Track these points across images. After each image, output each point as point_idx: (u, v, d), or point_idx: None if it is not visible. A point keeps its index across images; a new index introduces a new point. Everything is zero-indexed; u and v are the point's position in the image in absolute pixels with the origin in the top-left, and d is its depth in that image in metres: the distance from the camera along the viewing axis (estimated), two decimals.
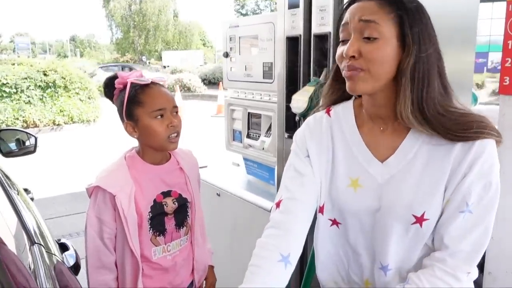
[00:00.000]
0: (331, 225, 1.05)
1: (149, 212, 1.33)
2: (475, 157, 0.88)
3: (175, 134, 1.33)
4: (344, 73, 0.93)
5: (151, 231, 1.35)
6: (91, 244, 1.30)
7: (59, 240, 1.34)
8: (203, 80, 19.39)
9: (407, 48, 0.87)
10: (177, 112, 1.36)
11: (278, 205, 1.02)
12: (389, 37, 0.87)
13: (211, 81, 20.04)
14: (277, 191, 1.99)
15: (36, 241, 1.09)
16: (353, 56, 0.89)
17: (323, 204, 1.04)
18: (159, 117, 1.29)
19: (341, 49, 0.93)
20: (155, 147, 1.36)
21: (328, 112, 1.07)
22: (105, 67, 25.14)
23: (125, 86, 1.31)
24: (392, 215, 0.94)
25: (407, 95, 0.88)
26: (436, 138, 0.90)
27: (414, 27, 0.87)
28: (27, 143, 2.42)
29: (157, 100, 1.30)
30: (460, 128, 0.88)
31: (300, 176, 1.03)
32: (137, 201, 1.31)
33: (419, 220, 0.92)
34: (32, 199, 1.93)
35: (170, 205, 1.38)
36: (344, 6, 0.96)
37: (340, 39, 0.95)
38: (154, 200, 1.35)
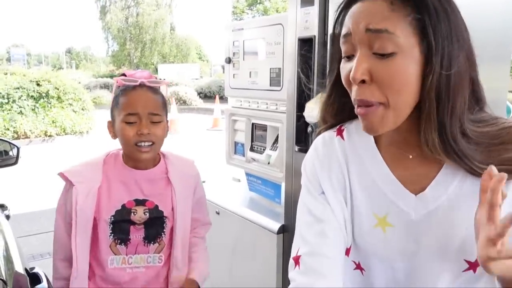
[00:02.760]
0: (355, 269, 0.84)
1: (111, 216, 1.22)
2: None
3: (147, 143, 1.20)
4: (355, 109, 0.71)
5: (111, 236, 1.23)
6: (57, 232, 1.26)
7: (32, 268, 1.13)
8: (199, 93, 19.27)
9: (431, 61, 0.64)
10: (158, 122, 1.22)
11: (296, 261, 0.78)
12: (409, 49, 0.64)
13: (207, 95, 19.94)
14: (284, 211, 1.84)
15: None
16: (363, 81, 0.67)
17: (350, 246, 0.82)
18: (132, 121, 1.19)
19: (346, 68, 0.71)
20: (126, 153, 1.27)
21: (340, 133, 0.84)
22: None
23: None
24: (438, 261, 0.74)
25: (433, 120, 0.67)
26: None
27: (438, 31, 0.64)
28: (10, 154, 2.23)
29: (131, 103, 1.20)
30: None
31: (318, 222, 0.79)
32: (101, 200, 1.22)
33: (474, 265, 0.72)
34: (8, 216, 1.71)
35: (139, 214, 1.24)
36: (341, 6, 0.73)
37: (343, 54, 0.72)
38: (123, 205, 1.23)
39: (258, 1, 27.51)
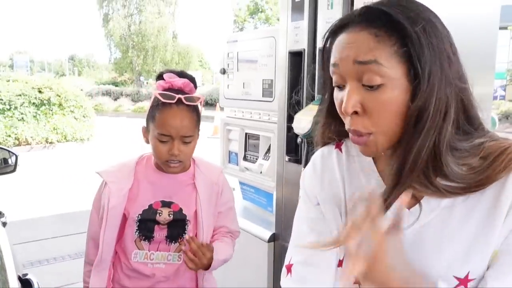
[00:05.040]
0: (355, 283, 0.83)
1: (138, 214, 1.31)
2: None
3: (176, 162, 1.28)
4: (350, 136, 0.73)
5: (137, 233, 1.33)
6: (90, 223, 1.37)
7: (25, 275, 1.16)
8: None
9: (419, 89, 0.65)
10: (189, 142, 1.28)
11: (289, 269, 0.81)
12: (397, 79, 0.65)
13: (208, 102, 19.99)
14: (275, 220, 1.87)
15: None
16: (356, 112, 0.69)
17: (343, 258, 0.83)
18: (164, 140, 1.26)
19: (339, 98, 0.71)
20: (157, 162, 1.35)
21: (338, 146, 0.86)
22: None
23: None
24: (428, 276, 0.73)
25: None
26: None
27: (424, 59, 0.64)
28: (9, 162, 2.26)
29: (166, 125, 1.24)
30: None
31: (312, 231, 0.82)
32: (130, 199, 1.32)
33: (463, 282, 0.71)
34: (4, 223, 1.74)
35: (164, 215, 1.32)
36: (327, 33, 0.74)
37: (334, 84, 0.72)
38: (150, 205, 1.32)
39: (260, 10, 27.69)
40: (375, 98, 0.66)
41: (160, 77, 1.30)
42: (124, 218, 1.33)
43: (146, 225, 1.32)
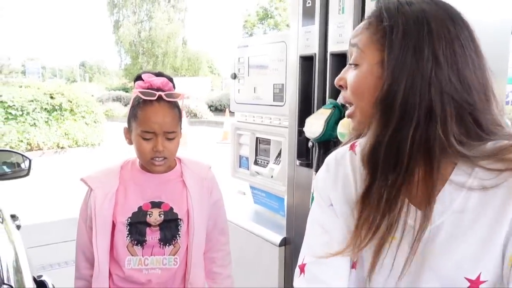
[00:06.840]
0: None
1: (128, 218, 1.27)
2: None
3: (160, 158, 1.26)
4: None
5: (128, 238, 1.28)
6: (78, 234, 1.33)
7: (40, 276, 1.18)
8: (209, 106, 19.44)
9: (384, 75, 0.69)
10: (173, 138, 1.27)
11: (302, 269, 0.82)
12: (371, 64, 0.72)
13: (218, 108, 20.10)
14: (286, 224, 1.87)
15: (6, 281, 0.94)
16: (342, 86, 0.79)
17: (357, 260, 0.83)
18: (148, 138, 1.24)
19: None
20: (141, 162, 1.32)
21: (352, 147, 0.87)
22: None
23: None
24: (439, 278, 0.73)
25: (369, 130, 0.73)
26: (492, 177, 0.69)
27: (395, 47, 0.68)
28: (22, 166, 2.30)
29: (149, 121, 1.24)
30: None
31: (325, 232, 0.83)
32: (118, 203, 1.28)
33: (475, 284, 0.71)
34: (18, 226, 1.77)
35: (154, 216, 1.28)
36: None
37: None
38: (140, 207, 1.29)
39: (269, 16, 27.78)
40: (351, 74, 0.76)
41: (138, 78, 1.30)
42: (113, 224, 1.28)
43: (137, 228, 1.28)
